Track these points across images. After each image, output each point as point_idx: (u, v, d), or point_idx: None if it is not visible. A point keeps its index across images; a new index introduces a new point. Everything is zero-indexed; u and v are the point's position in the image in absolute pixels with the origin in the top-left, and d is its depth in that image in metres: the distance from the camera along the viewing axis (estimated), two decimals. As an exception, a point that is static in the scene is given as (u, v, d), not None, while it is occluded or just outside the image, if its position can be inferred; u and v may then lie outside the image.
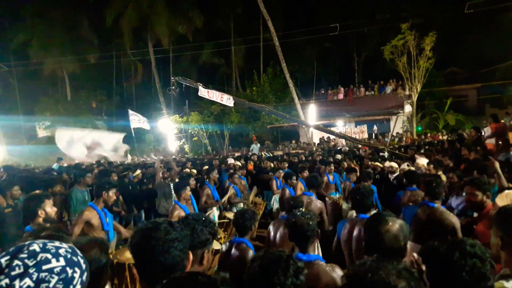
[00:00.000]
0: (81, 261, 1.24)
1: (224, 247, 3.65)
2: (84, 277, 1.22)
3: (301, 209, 3.27)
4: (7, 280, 1.03)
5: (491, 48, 25.29)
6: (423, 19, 22.74)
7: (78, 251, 1.27)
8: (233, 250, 3.50)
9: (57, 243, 1.19)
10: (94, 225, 4.37)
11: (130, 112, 15.99)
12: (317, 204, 5.30)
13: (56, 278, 1.11)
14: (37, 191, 5.35)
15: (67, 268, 1.15)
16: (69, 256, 1.19)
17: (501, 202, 3.03)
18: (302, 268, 1.81)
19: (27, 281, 1.05)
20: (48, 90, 32.28)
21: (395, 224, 2.14)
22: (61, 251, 1.17)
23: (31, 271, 1.06)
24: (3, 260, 1.07)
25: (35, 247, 1.12)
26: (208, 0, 33.20)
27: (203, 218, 2.21)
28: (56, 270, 1.12)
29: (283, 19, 33.44)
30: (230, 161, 12.06)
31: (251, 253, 3.42)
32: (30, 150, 27.07)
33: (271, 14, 23.21)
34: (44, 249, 1.13)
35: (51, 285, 1.09)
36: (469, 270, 1.50)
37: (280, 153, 17.80)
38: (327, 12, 32.12)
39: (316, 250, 2.83)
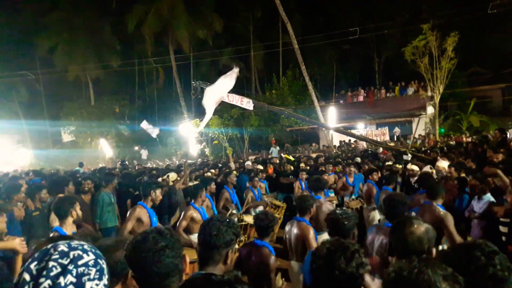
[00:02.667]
0: (102, 254, 1.31)
1: (244, 250, 3.67)
2: (107, 269, 1.29)
3: (343, 208, 3.33)
4: (49, 281, 1.09)
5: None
6: (445, 19, 22.33)
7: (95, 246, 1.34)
8: (254, 253, 3.52)
9: (77, 241, 1.26)
10: (144, 222, 4.60)
11: (143, 125, 15.73)
12: (328, 206, 5.26)
13: (93, 269, 1.19)
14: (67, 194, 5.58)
15: (99, 260, 1.24)
16: (94, 250, 1.26)
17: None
18: (366, 264, 1.84)
19: (69, 277, 1.12)
20: (72, 96, 33.04)
21: (420, 227, 2.16)
22: (86, 247, 1.25)
23: (70, 267, 1.13)
24: (32, 266, 1.13)
25: (62, 247, 1.19)
26: (227, 4, 33.48)
27: (227, 220, 2.29)
28: (91, 263, 1.20)
29: (302, 22, 33.46)
30: (248, 163, 12.13)
31: (273, 258, 3.44)
32: (56, 154, 27.80)
33: (290, 17, 23.23)
34: (72, 248, 1.20)
35: (91, 276, 1.17)
36: (500, 268, 1.51)
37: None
38: (346, 14, 31.97)
39: None
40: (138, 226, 4.57)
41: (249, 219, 6.39)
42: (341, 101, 27.95)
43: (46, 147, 29.28)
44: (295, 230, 4.12)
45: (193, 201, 5.41)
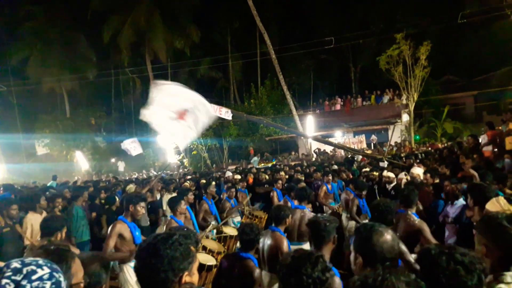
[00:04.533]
0: (58, 268, 1.28)
1: (226, 262, 3.59)
2: (66, 282, 1.26)
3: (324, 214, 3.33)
4: None
5: (486, 56, 25.48)
6: (418, 29, 22.97)
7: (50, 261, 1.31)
8: (237, 266, 3.43)
9: (31, 258, 1.23)
10: (126, 238, 4.41)
11: (124, 145, 15.03)
12: (310, 216, 5.25)
13: (48, 283, 1.16)
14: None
15: (54, 273, 1.21)
16: (49, 264, 1.23)
17: (493, 208, 3.05)
18: (330, 268, 1.89)
19: None
20: (47, 108, 32.36)
21: (389, 235, 2.15)
22: (40, 262, 1.22)
23: (23, 283, 1.11)
24: None
25: (15, 264, 1.16)
26: (205, 14, 33.54)
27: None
28: (45, 276, 1.17)
29: (279, 32, 33.86)
30: (228, 174, 12.06)
31: (257, 272, 3.38)
32: (30, 168, 27.06)
33: (267, 27, 23.43)
34: (24, 264, 1.17)
35: None
36: (448, 275, 1.56)
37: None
38: (323, 24, 32.49)
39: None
40: (121, 243, 4.39)
41: (228, 230, 6.33)
42: (318, 111, 28.27)
43: (19, 161, 28.46)
44: (268, 241, 4.06)
45: (172, 214, 5.31)
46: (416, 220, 4.01)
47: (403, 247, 3.07)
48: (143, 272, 1.68)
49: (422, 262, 1.73)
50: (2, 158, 27.91)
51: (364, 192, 6.62)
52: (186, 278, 1.69)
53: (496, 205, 3.06)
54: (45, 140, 28.13)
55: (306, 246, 5.15)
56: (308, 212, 5.32)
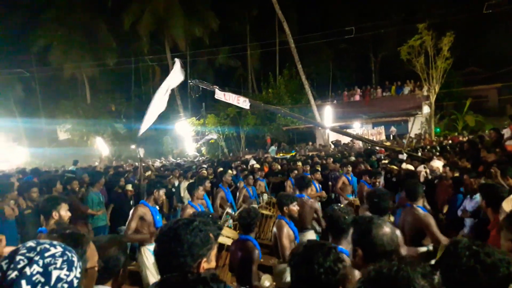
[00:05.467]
0: (72, 249, 1.32)
1: (232, 247, 3.84)
2: (80, 264, 1.30)
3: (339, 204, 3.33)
4: (16, 272, 1.12)
5: (511, 47, 24.73)
6: (441, 19, 22.39)
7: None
8: (239, 248, 3.67)
9: (48, 240, 1.29)
10: (147, 220, 4.60)
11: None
12: (310, 204, 5.31)
13: (60, 259, 1.21)
14: (55, 194, 5.49)
15: (67, 252, 1.26)
16: (63, 245, 1.29)
17: (508, 206, 3.01)
18: (343, 259, 1.87)
19: (35, 267, 1.14)
20: (68, 94, 32.93)
21: (388, 227, 2.12)
22: (55, 242, 1.28)
23: (36, 258, 1.16)
24: (3, 263, 1.16)
25: (31, 243, 1.22)
26: (223, 3, 33.45)
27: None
28: (57, 254, 1.22)
29: (298, 21, 33.50)
30: (252, 162, 12.12)
31: (256, 252, 3.57)
32: (51, 153, 27.69)
33: (287, 16, 23.21)
34: (39, 243, 1.23)
35: (58, 265, 1.19)
36: (465, 270, 1.55)
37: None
38: (343, 13, 31.99)
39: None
40: (142, 225, 4.59)
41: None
42: (334, 101, 28.01)
43: (42, 145, 29.14)
44: (275, 228, 4.30)
45: (190, 199, 5.44)
46: (422, 213, 3.97)
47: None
48: (162, 255, 1.72)
49: (446, 251, 1.71)
50: (26, 142, 28.67)
51: (378, 180, 6.52)
52: (204, 264, 1.72)
53: (510, 204, 3.02)
54: (66, 125, 28.65)
55: (310, 234, 5.21)
56: (307, 199, 5.35)
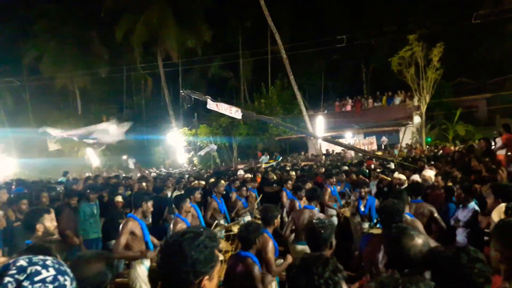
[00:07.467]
0: (68, 270, 1.27)
1: (230, 262, 3.66)
2: (73, 284, 1.25)
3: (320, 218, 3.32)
4: None
5: (500, 58, 25.12)
6: (431, 30, 22.71)
7: (62, 262, 1.30)
8: (238, 265, 3.50)
9: (41, 256, 1.22)
10: (137, 235, 4.46)
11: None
12: (319, 216, 5.25)
13: (51, 286, 1.15)
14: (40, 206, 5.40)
15: (59, 276, 1.19)
16: (56, 266, 1.22)
17: (496, 216, 3.02)
18: (342, 270, 1.84)
19: None
20: (59, 104, 32.81)
21: (420, 239, 2.15)
22: (48, 262, 1.21)
23: (25, 284, 1.09)
24: None
25: (22, 262, 1.15)
26: (217, 14, 33.61)
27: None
28: (49, 279, 1.15)
29: (290, 31, 33.73)
30: (240, 173, 12.03)
31: (257, 269, 3.44)
32: (41, 163, 27.36)
33: (279, 27, 23.40)
34: (31, 263, 1.16)
35: None
36: (477, 273, 1.65)
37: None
38: (335, 24, 32.32)
39: None
40: (132, 240, 4.43)
41: (236, 229, 6.31)
42: (326, 111, 28.18)
43: (31, 156, 28.81)
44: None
45: (177, 212, 5.30)
46: (409, 219, 3.98)
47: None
48: (164, 268, 1.66)
49: (435, 265, 1.76)
50: (15, 153, 28.33)
51: (364, 190, 6.50)
52: (205, 282, 1.66)
53: (498, 213, 3.04)
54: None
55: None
56: (316, 212, 5.33)
